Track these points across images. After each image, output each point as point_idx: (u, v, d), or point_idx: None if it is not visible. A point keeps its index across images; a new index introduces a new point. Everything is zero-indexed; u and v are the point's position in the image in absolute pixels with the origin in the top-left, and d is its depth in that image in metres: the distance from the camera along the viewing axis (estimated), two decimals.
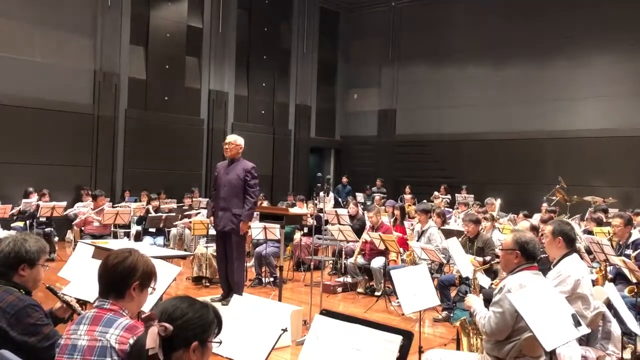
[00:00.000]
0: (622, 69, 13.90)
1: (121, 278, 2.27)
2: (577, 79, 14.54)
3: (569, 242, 3.85)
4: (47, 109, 12.62)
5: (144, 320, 1.78)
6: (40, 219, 10.27)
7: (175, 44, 15.14)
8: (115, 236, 10.28)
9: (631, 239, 6.22)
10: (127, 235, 10.93)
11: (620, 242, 6.33)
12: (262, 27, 17.22)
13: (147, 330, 1.73)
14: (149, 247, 7.41)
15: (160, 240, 9.92)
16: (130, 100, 14.23)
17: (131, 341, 2.12)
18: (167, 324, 1.73)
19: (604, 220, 8.89)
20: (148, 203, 11.21)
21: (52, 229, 10.42)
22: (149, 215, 10.21)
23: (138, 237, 10.37)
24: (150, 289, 2.38)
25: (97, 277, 2.32)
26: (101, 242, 7.04)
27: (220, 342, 1.87)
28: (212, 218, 6.56)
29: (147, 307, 2.59)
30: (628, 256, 5.76)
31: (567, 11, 14.63)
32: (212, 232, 8.54)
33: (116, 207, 10.84)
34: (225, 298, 6.25)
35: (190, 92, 15.55)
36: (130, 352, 1.86)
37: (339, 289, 8.14)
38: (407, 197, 14.85)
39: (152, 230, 9.99)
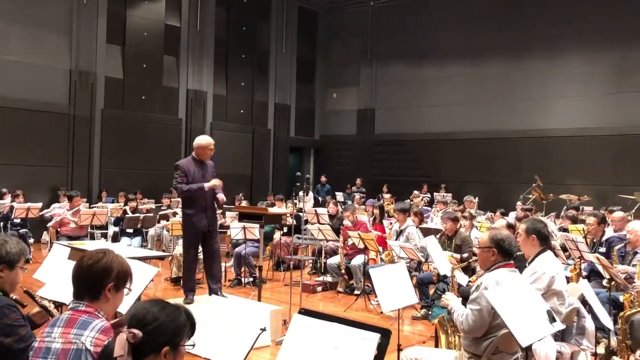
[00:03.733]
0: (596, 69, 14.14)
1: (96, 279, 2.24)
2: (553, 79, 14.75)
3: (543, 240, 3.92)
4: (22, 108, 12.40)
5: (113, 326, 1.74)
6: (15, 220, 10.10)
7: (153, 43, 14.99)
8: (92, 237, 10.15)
9: (604, 237, 6.34)
10: (105, 236, 10.81)
11: (595, 240, 6.45)
12: (241, 26, 17.15)
13: (116, 337, 1.69)
14: (125, 248, 7.34)
15: (137, 241, 9.81)
16: (107, 99, 14.06)
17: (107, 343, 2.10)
18: (135, 330, 1.68)
19: (577, 217, 9.04)
20: (125, 204, 11.10)
21: (27, 230, 10.26)
22: (126, 215, 10.10)
23: (115, 238, 10.25)
24: (126, 290, 2.35)
25: (72, 279, 2.28)
26: (77, 244, 6.95)
27: (194, 345, 1.83)
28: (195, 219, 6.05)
29: (123, 308, 2.56)
30: (602, 254, 5.88)
31: (543, 11, 14.83)
32: None
33: (93, 207, 10.71)
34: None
35: (168, 92, 15.42)
36: (99, 359, 1.80)
37: (319, 288, 8.15)
38: (386, 196, 14.93)
39: (130, 231, 9.89)
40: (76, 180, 13.30)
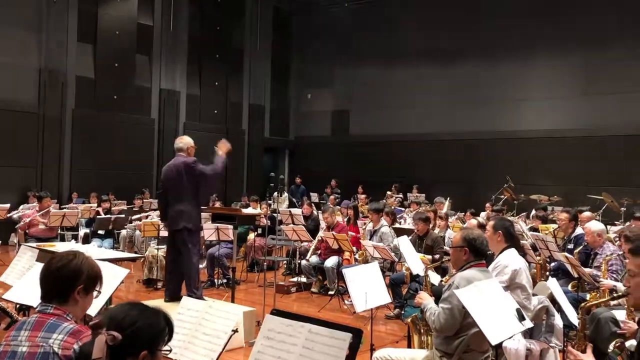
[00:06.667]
0: (566, 71, 14.42)
1: (65, 282, 2.19)
2: (524, 81, 15.00)
3: (508, 236, 4.11)
4: None
5: (92, 327, 1.71)
6: None
7: (125, 42, 14.80)
8: (63, 239, 9.97)
9: (574, 234, 6.49)
10: (75, 237, 10.62)
11: (565, 237, 6.61)
12: (214, 25, 17.03)
13: (95, 339, 1.66)
14: (96, 250, 7.22)
15: (108, 242, 9.67)
16: (78, 99, 13.84)
17: (75, 346, 2.06)
18: (115, 333, 1.65)
19: (547, 217, 9.24)
20: (99, 205, 10.92)
21: None
22: (98, 217, 9.95)
23: (86, 240, 10.09)
24: (95, 293, 2.31)
25: (40, 281, 2.24)
26: (47, 245, 6.81)
27: (170, 350, 1.82)
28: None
29: (92, 311, 2.52)
30: (570, 250, 6.02)
31: (516, 15, 15.05)
32: (163, 233, 8.41)
33: (63, 209, 10.52)
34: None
35: (141, 91, 15.24)
36: None
37: (293, 289, 8.14)
38: (361, 196, 14.98)
39: (101, 232, 9.73)
40: (46, 181, 13.06)
